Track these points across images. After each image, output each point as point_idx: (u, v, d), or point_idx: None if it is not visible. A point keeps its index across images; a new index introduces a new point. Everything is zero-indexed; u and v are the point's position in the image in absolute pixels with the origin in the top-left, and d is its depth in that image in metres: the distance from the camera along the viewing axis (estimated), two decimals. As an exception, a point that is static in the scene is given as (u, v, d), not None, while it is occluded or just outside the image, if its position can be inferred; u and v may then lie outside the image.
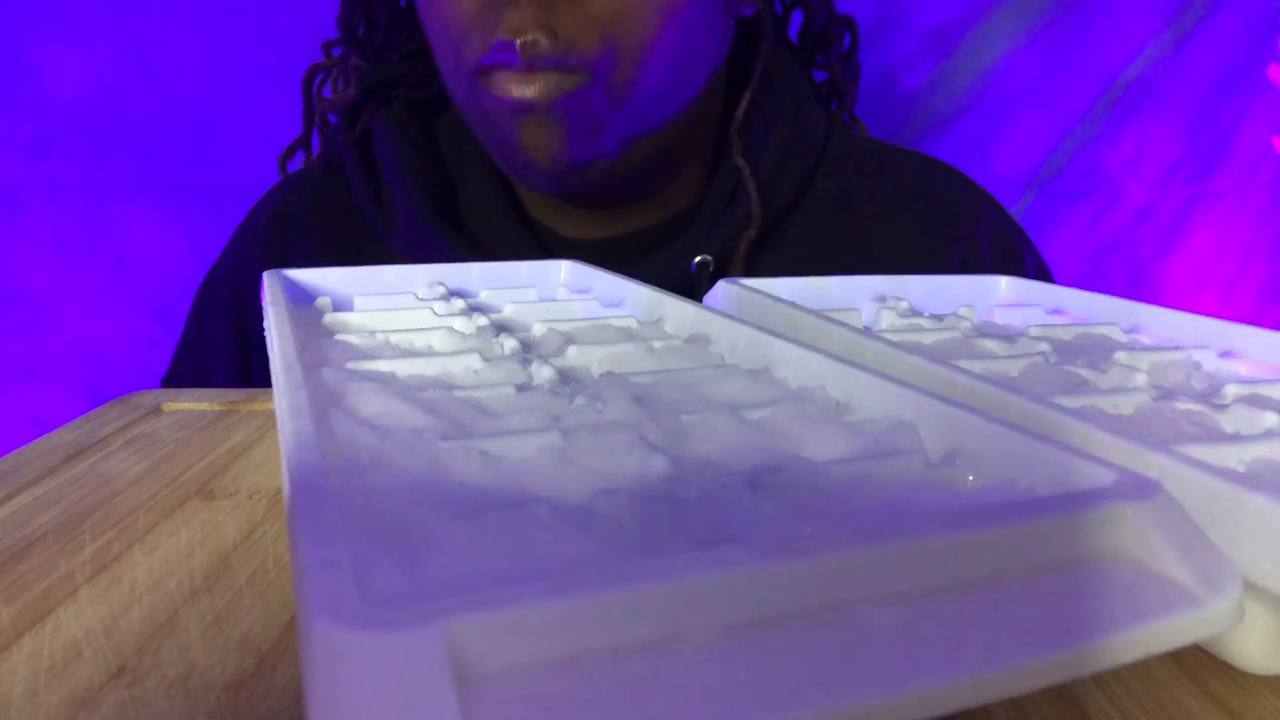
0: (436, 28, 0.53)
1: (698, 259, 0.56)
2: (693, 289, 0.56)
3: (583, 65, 0.50)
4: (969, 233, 0.61)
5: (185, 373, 0.63)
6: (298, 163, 0.65)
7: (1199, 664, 0.20)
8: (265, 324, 0.30)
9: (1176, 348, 0.32)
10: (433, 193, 0.58)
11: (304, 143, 0.65)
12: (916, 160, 0.65)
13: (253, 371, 0.61)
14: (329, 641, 0.12)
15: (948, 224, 0.61)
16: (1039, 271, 0.63)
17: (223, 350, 0.62)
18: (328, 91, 0.64)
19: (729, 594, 0.13)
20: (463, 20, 0.51)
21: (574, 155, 0.53)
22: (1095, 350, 0.32)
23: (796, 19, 0.66)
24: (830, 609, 0.14)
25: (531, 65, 0.49)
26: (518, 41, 0.48)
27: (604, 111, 0.52)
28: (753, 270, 0.57)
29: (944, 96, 0.88)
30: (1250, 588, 0.17)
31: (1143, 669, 0.20)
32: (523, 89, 0.50)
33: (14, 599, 0.23)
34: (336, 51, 0.63)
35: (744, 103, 0.59)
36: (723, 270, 0.57)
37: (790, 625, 0.13)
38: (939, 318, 0.37)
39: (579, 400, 0.24)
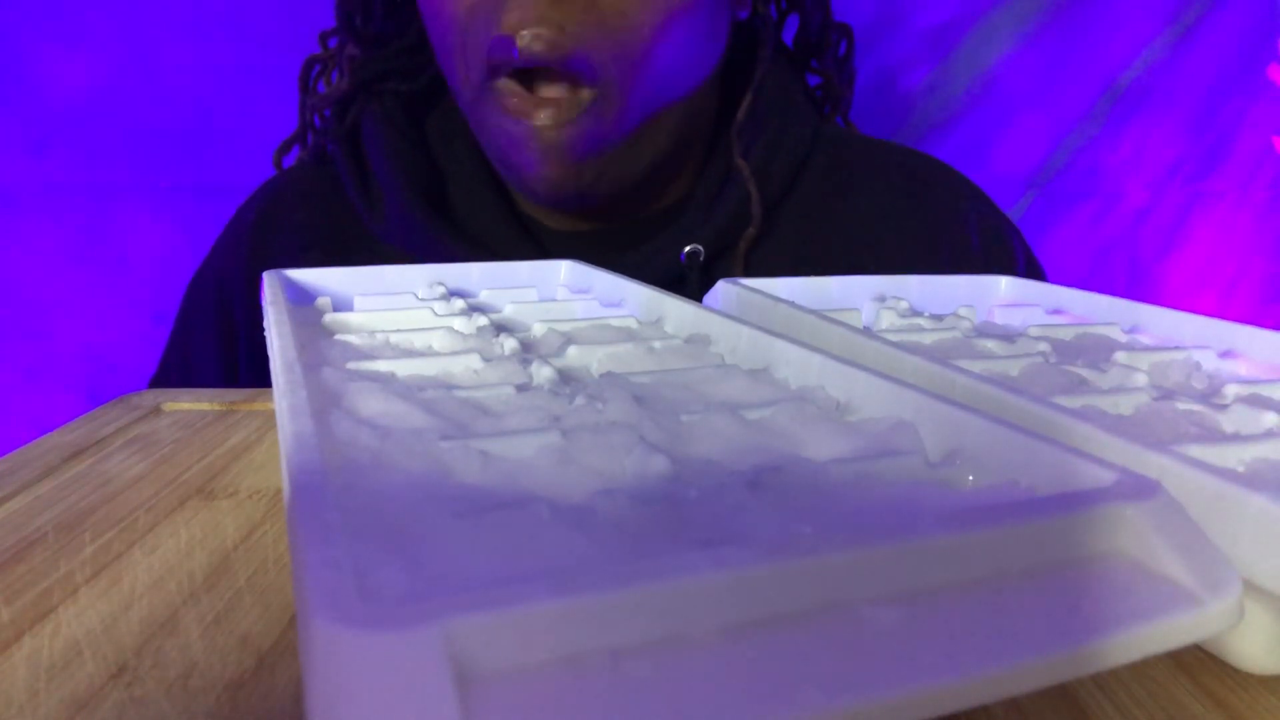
0: (438, 28, 0.53)
1: (688, 249, 0.56)
2: (683, 279, 0.56)
3: (589, 74, 0.49)
4: (956, 222, 0.61)
5: (173, 373, 0.62)
6: (294, 158, 0.65)
7: (1199, 664, 0.20)
8: (265, 324, 0.30)
9: (1176, 348, 0.32)
10: (422, 183, 0.58)
11: (300, 137, 0.64)
12: (902, 153, 0.65)
13: (240, 372, 0.60)
14: (329, 641, 0.12)
15: (935, 214, 0.61)
16: (1029, 263, 0.63)
17: (210, 351, 0.61)
18: (323, 86, 0.63)
19: (729, 594, 0.13)
20: (464, 18, 0.50)
21: (579, 182, 0.53)
22: (1095, 350, 0.32)
23: (792, 24, 0.66)
24: (830, 609, 0.14)
25: (531, 62, 0.48)
26: (518, 36, 0.48)
27: (611, 136, 0.52)
28: (745, 264, 0.57)
29: (944, 96, 0.88)
30: (1250, 588, 0.17)
31: (1143, 669, 0.20)
32: (534, 114, 0.50)
33: (14, 599, 0.23)
34: (333, 43, 0.63)
35: (744, 105, 0.58)
36: (712, 261, 0.57)
37: (790, 625, 0.13)
38: (939, 318, 0.37)
39: (579, 400, 0.24)
